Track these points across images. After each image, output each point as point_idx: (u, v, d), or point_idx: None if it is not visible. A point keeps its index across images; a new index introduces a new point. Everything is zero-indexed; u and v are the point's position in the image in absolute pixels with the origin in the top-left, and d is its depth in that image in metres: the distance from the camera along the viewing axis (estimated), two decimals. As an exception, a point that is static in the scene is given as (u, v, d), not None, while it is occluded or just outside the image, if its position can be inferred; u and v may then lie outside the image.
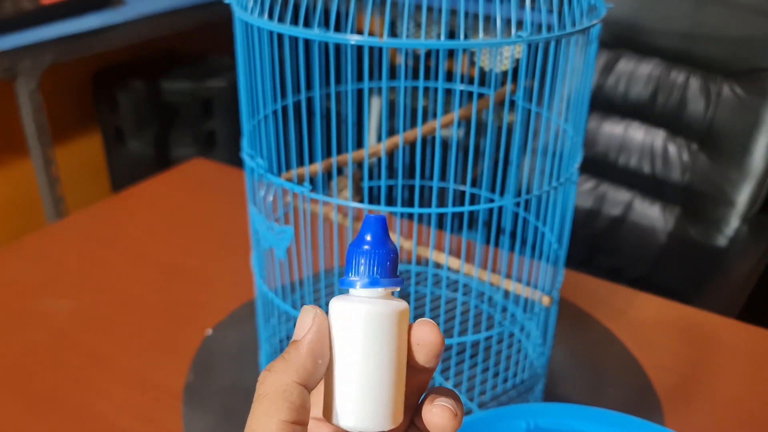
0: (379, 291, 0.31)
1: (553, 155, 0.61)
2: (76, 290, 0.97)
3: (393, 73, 0.89)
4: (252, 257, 0.72)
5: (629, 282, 1.47)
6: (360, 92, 0.74)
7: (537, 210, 0.63)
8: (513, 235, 0.68)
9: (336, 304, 0.31)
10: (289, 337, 0.82)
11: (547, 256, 0.67)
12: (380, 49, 0.88)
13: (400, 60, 0.81)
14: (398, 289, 0.32)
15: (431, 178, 0.85)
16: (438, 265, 0.90)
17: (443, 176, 0.83)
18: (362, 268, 0.31)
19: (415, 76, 0.83)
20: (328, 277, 0.90)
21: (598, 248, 1.54)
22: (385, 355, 0.30)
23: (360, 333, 0.30)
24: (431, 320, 0.31)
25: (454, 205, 0.76)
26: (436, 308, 0.86)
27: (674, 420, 0.77)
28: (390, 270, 0.31)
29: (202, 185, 1.26)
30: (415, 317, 0.80)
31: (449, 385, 0.71)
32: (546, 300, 0.66)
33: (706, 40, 1.40)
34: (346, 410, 0.31)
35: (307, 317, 0.31)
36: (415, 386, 0.33)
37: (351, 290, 0.32)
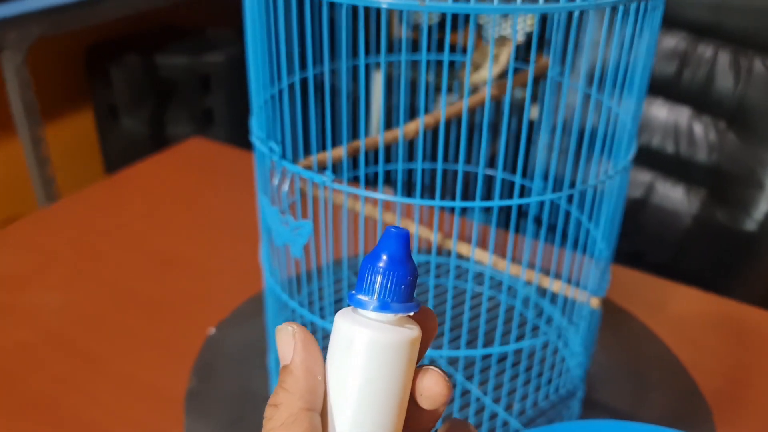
0: (391, 316, 0.28)
1: (610, 142, 0.54)
2: (65, 283, 0.89)
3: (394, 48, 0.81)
4: (261, 251, 0.65)
5: (652, 268, 1.40)
6: (366, 68, 0.66)
7: (590, 205, 0.55)
8: (554, 230, 0.60)
9: (342, 322, 0.29)
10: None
11: (593, 254, 0.59)
12: (378, 18, 0.79)
13: (408, 33, 0.73)
14: (411, 314, 0.29)
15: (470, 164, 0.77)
16: (478, 262, 0.83)
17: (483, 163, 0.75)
18: (376, 288, 0.28)
19: (431, 50, 0.75)
20: (350, 276, 0.83)
21: (618, 232, 1.47)
22: (389, 386, 0.28)
23: (363, 361, 0.28)
24: (437, 369, 0.29)
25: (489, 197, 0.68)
26: (476, 308, 0.79)
27: (726, 430, 0.70)
28: (406, 294, 0.28)
29: (201, 167, 1.18)
30: (452, 319, 0.73)
31: (487, 398, 0.64)
32: (595, 302, 0.59)
33: (737, 11, 1.32)
34: None
35: (286, 336, 0.29)
36: (423, 425, 0.31)
37: (360, 309, 0.29)
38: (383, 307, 0.28)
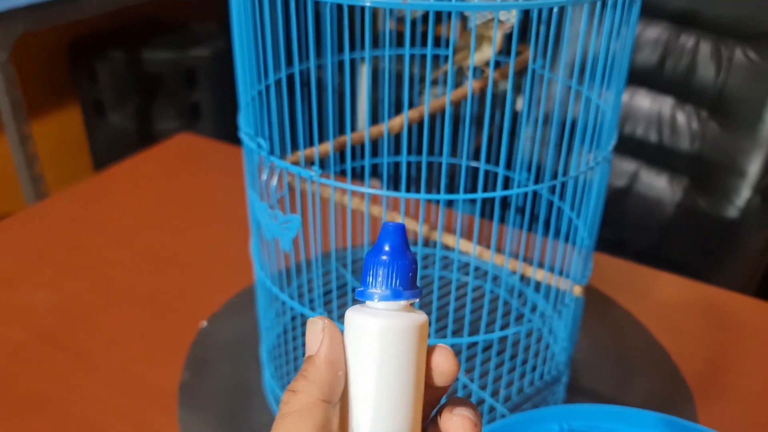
0: (399, 303, 0.30)
1: (591, 133, 0.55)
2: (57, 281, 0.90)
3: (379, 42, 0.82)
4: (251, 245, 0.66)
5: (635, 255, 1.42)
6: (352, 62, 0.67)
7: (572, 195, 0.57)
8: (537, 218, 0.61)
9: (353, 316, 0.30)
10: (286, 331, 0.76)
11: (576, 243, 0.61)
12: (363, 14, 0.81)
13: (392, 26, 0.74)
14: (417, 300, 0.31)
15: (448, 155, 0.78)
16: (463, 252, 0.84)
17: (455, 154, 0.76)
18: (380, 279, 0.30)
19: (416, 44, 0.76)
20: (338, 267, 0.84)
21: (603, 220, 1.48)
22: (404, 370, 0.30)
23: (377, 348, 0.29)
24: (446, 346, 0.31)
25: (475, 189, 0.69)
26: (461, 297, 0.80)
27: (707, 411, 0.72)
28: (410, 282, 0.30)
29: (190, 162, 1.19)
30: (439, 309, 0.75)
31: (474, 385, 0.65)
32: (578, 290, 0.60)
33: (718, 2, 1.33)
34: (362, 427, 0.30)
35: (315, 329, 0.30)
36: (429, 401, 0.32)
37: (368, 302, 0.31)
38: (390, 296, 0.30)
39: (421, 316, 0.30)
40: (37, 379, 0.75)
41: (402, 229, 0.30)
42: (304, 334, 0.73)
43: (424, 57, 0.80)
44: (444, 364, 0.31)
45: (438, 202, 0.92)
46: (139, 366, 0.76)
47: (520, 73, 0.73)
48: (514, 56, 0.48)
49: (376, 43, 0.76)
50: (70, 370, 0.76)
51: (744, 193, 1.32)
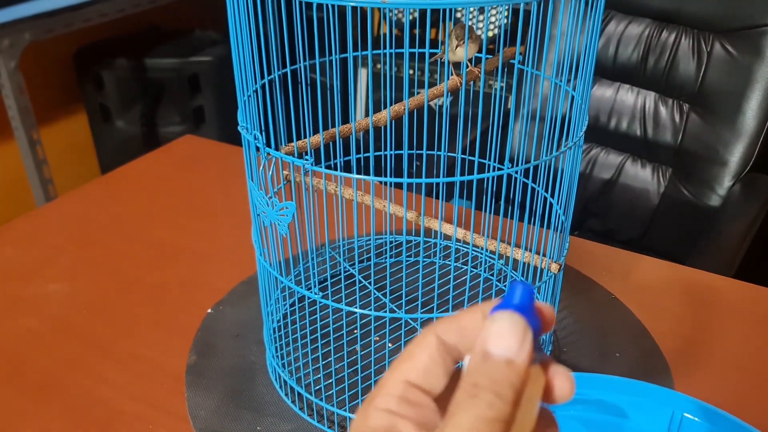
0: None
1: (561, 120, 0.60)
2: (69, 274, 0.95)
3: (377, 42, 0.87)
4: (253, 232, 0.71)
5: (622, 244, 1.47)
6: (345, 61, 0.72)
7: (546, 177, 0.62)
8: (515, 202, 0.66)
9: None
10: (285, 316, 0.81)
11: (554, 224, 0.66)
12: (362, 18, 0.86)
13: (377, 32, 0.80)
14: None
15: (433, 148, 0.83)
16: (445, 236, 0.89)
17: (437, 146, 0.81)
18: None
19: (400, 45, 0.81)
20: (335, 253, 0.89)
21: (590, 211, 1.54)
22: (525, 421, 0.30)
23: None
24: (568, 372, 0.30)
25: (452, 173, 0.74)
26: (445, 276, 0.85)
27: (683, 383, 0.77)
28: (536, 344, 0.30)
29: (193, 162, 1.24)
30: (423, 286, 0.80)
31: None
32: (554, 267, 0.66)
33: (697, -1, 1.38)
34: None
35: (515, 324, 0.28)
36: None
37: None
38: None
39: (539, 375, 0.31)
40: (53, 364, 0.79)
41: (531, 293, 0.30)
42: (303, 317, 0.79)
43: (414, 56, 0.85)
44: (565, 387, 0.30)
45: (428, 192, 0.97)
46: (149, 350, 0.81)
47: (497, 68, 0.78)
48: (485, 56, 0.53)
49: (365, 44, 0.81)
50: (83, 355, 0.81)
51: (725, 182, 1.37)
